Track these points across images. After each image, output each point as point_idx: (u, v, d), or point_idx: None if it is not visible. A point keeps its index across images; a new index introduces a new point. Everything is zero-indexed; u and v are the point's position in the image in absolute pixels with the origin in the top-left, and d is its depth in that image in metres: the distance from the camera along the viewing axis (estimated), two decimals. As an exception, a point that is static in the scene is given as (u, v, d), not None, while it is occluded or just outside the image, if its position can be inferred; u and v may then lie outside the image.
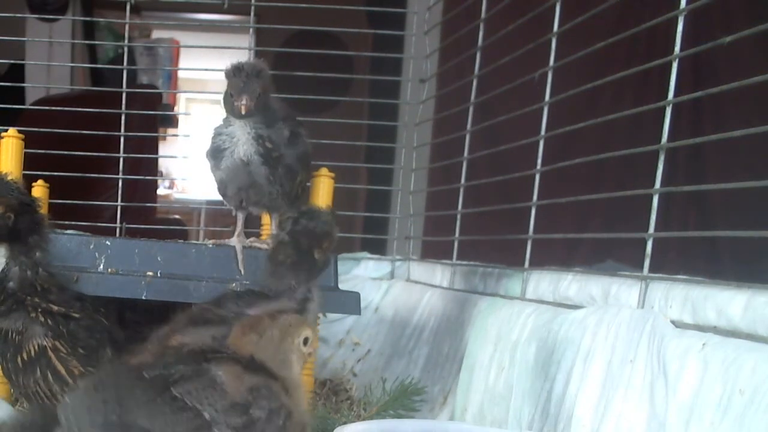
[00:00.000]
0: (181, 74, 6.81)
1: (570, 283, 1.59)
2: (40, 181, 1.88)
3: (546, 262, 1.77)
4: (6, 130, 1.74)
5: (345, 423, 1.41)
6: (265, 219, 1.99)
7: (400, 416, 1.72)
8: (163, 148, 5.11)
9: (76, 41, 4.91)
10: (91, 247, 1.61)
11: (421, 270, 2.47)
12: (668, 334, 1.21)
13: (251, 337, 1.13)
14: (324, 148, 2.06)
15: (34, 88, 4.17)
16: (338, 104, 3.88)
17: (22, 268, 1.44)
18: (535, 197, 1.79)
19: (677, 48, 1.35)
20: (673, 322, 1.25)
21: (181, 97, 7.24)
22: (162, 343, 1.19)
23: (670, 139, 1.36)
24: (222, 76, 1.55)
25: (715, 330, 1.17)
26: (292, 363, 1.14)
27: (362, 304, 1.71)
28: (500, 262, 1.96)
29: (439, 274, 2.32)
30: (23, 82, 3.97)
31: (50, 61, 4.45)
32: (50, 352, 1.40)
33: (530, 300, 1.72)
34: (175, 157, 4.85)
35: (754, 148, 2.56)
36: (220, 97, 1.56)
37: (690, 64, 2.53)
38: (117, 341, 1.48)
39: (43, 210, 1.55)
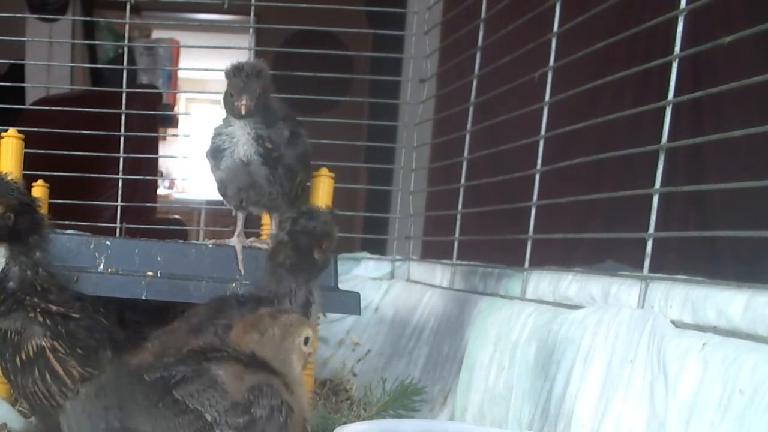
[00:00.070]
0: (181, 74, 6.81)
1: (570, 283, 1.59)
2: (40, 181, 1.88)
3: (546, 262, 1.77)
4: (6, 130, 1.74)
5: (345, 423, 1.41)
6: (265, 219, 1.99)
7: (400, 416, 1.72)
8: (163, 148, 5.11)
9: (76, 41, 4.91)
10: (91, 247, 1.61)
11: (421, 270, 2.47)
12: (668, 334, 1.21)
13: (253, 335, 1.13)
14: (324, 148, 2.06)
15: (34, 88, 4.17)
16: (338, 104, 3.88)
17: (22, 268, 1.44)
18: (535, 197, 1.79)
19: (677, 48, 1.35)
20: (673, 322, 1.25)
21: (181, 97, 7.25)
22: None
23: (670, 139, 1.36)
24: (222, 76, 1.55)
25: (715, 330, 1.17)
26: (293, 362, 1.14)
27: (362, 304, 1.71)
28: (500, 262, 1.96)
29: (439, 274, 2.31)
30: (23, 82, 3.97)
31: (50, 61, 4.45)
32: (49, 353, 1.40)
33: (530, 300, 1.71)
34: (175, 157, 4.85)
35: (754, 148, 2.56)
36: (220, 97, 1.56)
37: (690, 64, 2.53)
38: (117, 341, 1.47)
39: (43, 210, 1.55)
